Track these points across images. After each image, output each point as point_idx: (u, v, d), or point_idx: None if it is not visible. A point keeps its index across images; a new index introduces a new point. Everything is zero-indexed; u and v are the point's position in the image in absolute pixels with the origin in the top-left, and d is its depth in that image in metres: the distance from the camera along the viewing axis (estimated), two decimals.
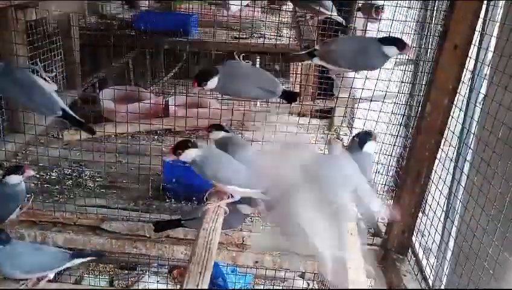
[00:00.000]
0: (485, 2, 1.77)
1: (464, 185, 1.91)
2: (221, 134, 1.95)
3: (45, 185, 2.61)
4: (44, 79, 1.86)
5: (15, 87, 1.82)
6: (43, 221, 2.34)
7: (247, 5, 3.22)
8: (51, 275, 2.08)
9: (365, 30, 2.90)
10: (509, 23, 1.58)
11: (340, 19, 2.57)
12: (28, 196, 2.16)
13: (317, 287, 3.91)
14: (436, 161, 2.01)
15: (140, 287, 3.78)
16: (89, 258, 2.17)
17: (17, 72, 1.86)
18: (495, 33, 1.79)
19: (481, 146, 1.70)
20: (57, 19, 3.35)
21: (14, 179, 1.99)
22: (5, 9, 2.65)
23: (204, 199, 1.82)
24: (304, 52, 1.97)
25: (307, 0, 2.46)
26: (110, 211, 2.38)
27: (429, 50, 2.45)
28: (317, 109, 3.37)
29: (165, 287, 3.84)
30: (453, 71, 1.83)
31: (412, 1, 2.69)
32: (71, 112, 1.90)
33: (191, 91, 1.83)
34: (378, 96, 2.47)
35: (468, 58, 1.83)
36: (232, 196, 1.79)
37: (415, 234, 2.18)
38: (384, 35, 2.32)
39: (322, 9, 2.44)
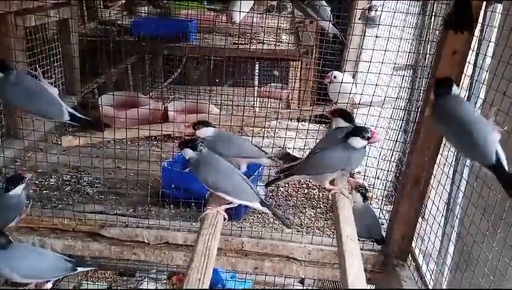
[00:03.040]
0: (483, 8, 1.78)
1: (463, 190, 1.91)
2: (209, 130, 1.98)
3: (44, 191, 2.61)
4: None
5: (26, 97, 1.87)
6: (42, 227, 2.33)
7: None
8: (49, 285, 2.07)
9: (363, 35, 2.91)
10: (507, 29, 1.59)
11: (336, 32, 2.58)
12: (26, 202, 2.15)
13: None
14: (436, 166, 2.01)
15: None
16: (90, 268, 2.17)
17: (26, 81, 1.90)
18: (493, 39, 1.80)
19: None
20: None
21: (16, 190, 2.00)
22: (5, 15, 2.65)
23: (206, 197, 1.83)
24: (283, 175, 2.04)
25: (306, 5, 2.47)
26: (109, 217, 2.36)
27: (428, 55, 2.46)
28: (317, 114, 3.38)
29: None
30: (451, 76, 1.83)
31: (410, 7, 2.70)
32: (78, 114, 1.97)
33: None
34: (377, 102, 2.48)
35: (467, 64, 1.84)
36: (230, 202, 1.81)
37: (414, 239, 2.17)
38: (383, 40, 2.34)
39: (319, 19, 2.45)
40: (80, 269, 2.07)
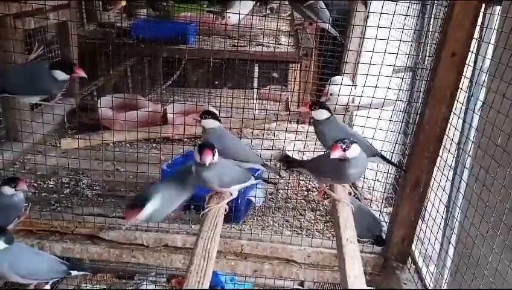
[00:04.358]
0: (482, 10, 1.78)
1: (463, 193, 1.91)
2: (215, 124, 1.95)
3: (43, 194, 2.60)
4: None
5: None
6: (41, 230, 2.32)
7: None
8: (48, 287, 2.06)
9: (363, 37, 2.91)
10: (506, 31, 1.59)
11: (335, 33, 2.58)
12: (25, 205, 2.14)
13: None
14: (435, 169, 2.00)
15: None
16: (83, 273, 2.16)
17: None
18: (492, 40, 1.80)
19: (480, 153, 1.70)
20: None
21: (7, 190, 1.99)
22: (4, 18, 2.65)
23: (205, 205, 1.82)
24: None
25: (303, 6, 2.46)
26: (108, 219, 2.36)
27: (427, 57, 2.46)
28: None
29: None
30: (451, 79, 1.83)
31: (409, 9, 2.70)
32: None
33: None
34: (376, 104, 2.47)
35: (466, 66, 1.83)
36: (231, 194, 1.83)
37: (414, 242, 2.17)
38: (382, 43, 2.33)
39: (318, 21, 2.45)
40: (74, 272, 2.07)
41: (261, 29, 3.90)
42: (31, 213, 2.29)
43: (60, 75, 1.94)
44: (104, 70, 4.39)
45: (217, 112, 2.05)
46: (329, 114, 1.98)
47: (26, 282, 1.98)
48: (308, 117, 2.69)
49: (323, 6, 2.46)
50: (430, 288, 2.03)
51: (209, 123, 1.94)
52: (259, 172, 2.58)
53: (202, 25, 3.99)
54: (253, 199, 2.53)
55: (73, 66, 1.97)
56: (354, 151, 1.64)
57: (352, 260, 1.54)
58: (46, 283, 2.07)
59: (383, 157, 2.06)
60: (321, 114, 1.97)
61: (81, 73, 1.98)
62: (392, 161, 2.53)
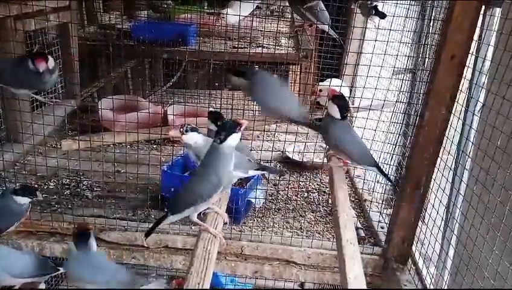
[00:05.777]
0: (482, 12, 1.79)
1: (463, 194, 1.91)
2: (199, 138, 1.93)
3: (43, 195, 2.60)
4: None
5: None
6: (41, 231, 2.33)
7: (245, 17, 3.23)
8: (43, 286, 2.06)
9: (363, 39, 2.92)
10: (506, 33, 1.59)
11: (335, 35, 2.58)
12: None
13: None
14: (436, 170, 2.01)
15: None
16: None
17: None
18: (492, 42, 1.81)
19: (480, 155, 1.71)
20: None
21: (22, 200, 2.00)
22: (4, 19, 2.66)
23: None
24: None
25: (303, 8, 2.47)
26: (108, 221, 2.36)
27: (427, 59, 2.46)
28: (316, 118, 3.38)
29: None
30: (450, 81, 1.83)
31: (409, 11, 2.71)
32: None
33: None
34: (376, 105, 2.48)
35: (466, 67, 1.84)
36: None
37: (415, 243, 2.17)
38: (382, 44, 2.34)
39: (318, 23, 2.45)
40: (62, 269, 2.07)
41: (261, 30, 3.91)
42: (32, 214, 2.29)
43: (28, 63, 1.98)
44: (105, 72, 4.40)
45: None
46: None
47: (18, 282, 1.97)
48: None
49: (323, 8, 2.47)
50: (430, 289, 2.04)
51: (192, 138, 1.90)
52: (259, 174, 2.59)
53: (202, 26, 3.99)
54: (253, 200, 2.54)
55: (37, 57, 1.99)
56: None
57: (352, 261, 1.54)
58: (40, 283, 2.07)
59: (380, 169, 2.08)
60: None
61: (39, 66, 1.97)
62: (391, 164, 2.54)
